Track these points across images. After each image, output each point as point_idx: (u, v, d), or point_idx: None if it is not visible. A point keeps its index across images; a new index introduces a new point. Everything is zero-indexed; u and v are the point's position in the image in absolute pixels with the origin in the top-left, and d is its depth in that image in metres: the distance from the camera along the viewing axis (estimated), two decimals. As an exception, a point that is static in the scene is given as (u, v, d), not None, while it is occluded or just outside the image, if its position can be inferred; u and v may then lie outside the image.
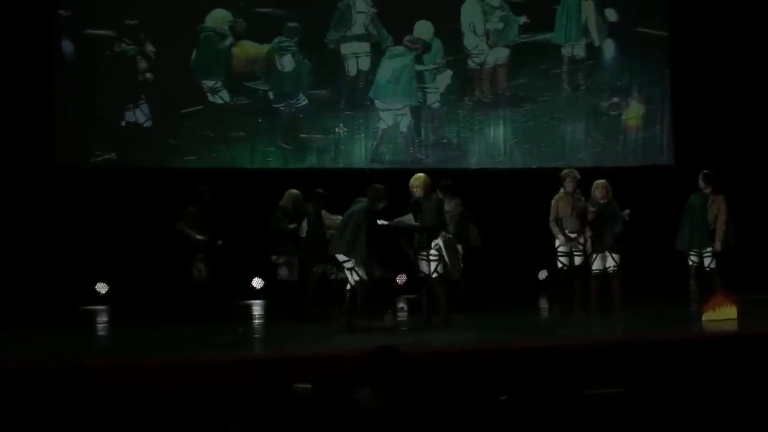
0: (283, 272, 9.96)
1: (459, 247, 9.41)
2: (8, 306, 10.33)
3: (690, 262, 9.94)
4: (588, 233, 9.91)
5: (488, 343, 8.10)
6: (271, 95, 12.06)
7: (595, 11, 12.79)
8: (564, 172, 10.15)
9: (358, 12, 12.17)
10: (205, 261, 10.42)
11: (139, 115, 11.67)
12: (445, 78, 12.42)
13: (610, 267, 9.79)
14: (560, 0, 12.74)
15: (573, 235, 9.91)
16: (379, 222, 8.98)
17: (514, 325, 9.41)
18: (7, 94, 11.18)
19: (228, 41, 11.89)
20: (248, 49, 11.92)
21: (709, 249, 9.84)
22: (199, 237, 10.34)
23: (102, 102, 11.60)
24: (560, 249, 9.97)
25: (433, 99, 12.44)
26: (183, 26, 11.79)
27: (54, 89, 11.48)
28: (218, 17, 11.84)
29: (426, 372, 6.06)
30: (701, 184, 9.91)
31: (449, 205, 9.81)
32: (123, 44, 11.61)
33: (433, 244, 9.04)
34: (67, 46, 11.54)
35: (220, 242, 10.49)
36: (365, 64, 12.24)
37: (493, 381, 6.24)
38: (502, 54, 12.59)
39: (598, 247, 9.83)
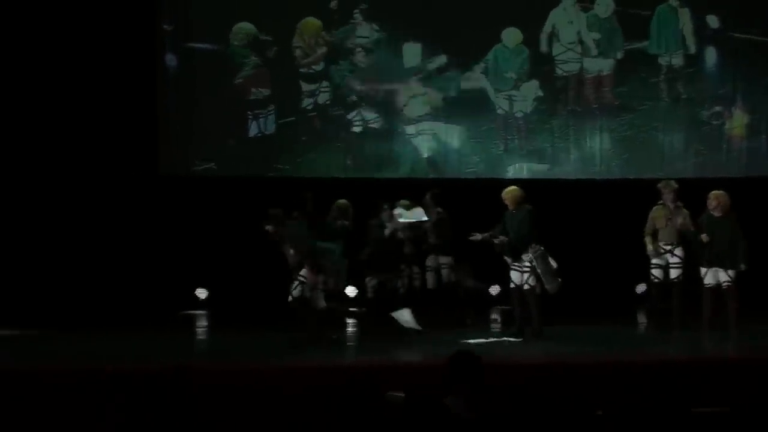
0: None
1: (551, 260, 9.31)
2: (112, 310, 10.71)
3: None
4: (690, 246, 9.60)
5: (582, 356, 7.99)
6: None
7: (692, 19, 12.49)
8: (661, 183, 9.94)
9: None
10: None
11: (258, 127, 11.95)
12: (532, 87, 12.28)
13: (724, 282, 9.40)
14: (653, 9, 12.48)
15: (667, 248, 9.67)
16: (471, 237, 9.02)
17: (610, 338, 9.25)
18: (112, 106, 11.60)
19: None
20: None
21: None
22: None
23: (203, 113, 11.93)
24: (653, 262, 9.75)
25: (522, 108, 12.32)
26: (287, 37, 12.00)
27: (157, 101, 11.87)
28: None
29: (520, 383, 6.03)
30: None
31: (431, 213, 9.82)
32: (226, 54, 11.92)
33: (524, 256, 8.99)
34: (170, 59, 11.92)
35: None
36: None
37: (588, 395, 6.15)
38: (600, 63, 12.40)
39: (713, 261, 9.44)
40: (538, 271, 8.95)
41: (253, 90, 12.01)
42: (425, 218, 9.69)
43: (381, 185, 11.55)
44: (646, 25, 12.45)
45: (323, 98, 12.08)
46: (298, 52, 12.03)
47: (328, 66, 12.08)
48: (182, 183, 11.85)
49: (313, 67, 12.07)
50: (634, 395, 5.07)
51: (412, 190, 10.36)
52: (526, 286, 9.01)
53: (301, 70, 12.06)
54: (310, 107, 12.10)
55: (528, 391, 5.95)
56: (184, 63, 11.96)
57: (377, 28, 12.08)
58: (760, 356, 7.83)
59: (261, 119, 12.08)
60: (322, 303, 9.30)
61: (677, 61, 12.48)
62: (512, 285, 9.19)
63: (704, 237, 9.39)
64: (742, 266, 9.44)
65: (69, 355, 8.34)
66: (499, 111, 12.29)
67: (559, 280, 9.16)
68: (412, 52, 12.11)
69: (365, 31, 12.08)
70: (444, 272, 10.25)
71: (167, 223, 11.73)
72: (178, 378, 4.82)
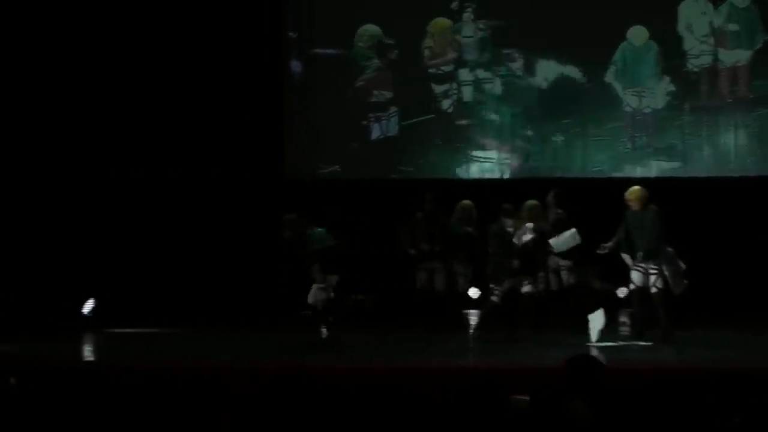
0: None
1: (680, 261, 8.98)
2: (242, 310, 11.00)
3: None
4: None
5: (717, 361, 7.67)
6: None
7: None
8: None
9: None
10: (428, 270, 10.56)
11: (380, 129, 12.05)
12: (663, 83, 11.88)
13: None
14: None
15: None
16: (600, 250, 8.84)
17: (746, 343, 8.84)
18: (241, 112, 11.93)
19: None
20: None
21: None
22: (424, 247, 10.47)
23: (327, 117, 12.11)
24: None
25: (651, 104, 11.93)
26: (410, 39, 12.04)
27: (283, 107, 12.13)
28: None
29: (650, 389, 5.83)
30: None
31: (551, 214, 9.68)
32: (349, 58, 12.05)
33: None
34: (295, 65, 12.18)
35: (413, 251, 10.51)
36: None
37: (725, 402, 5.89)
38: (737, 55, 11.85)
39: None
40: (666, 272, 8.64)
41: (375, 93, 12.11)
42: (578, 238, 9.39)
43: (502, 186, 11.42)
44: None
45: (454, 99, 12.03)
46: (427, 53, 12.02)
47: (457, 67, 12.03)
48: (307, 186, 12.06)
49: (443, 68, 12.04)
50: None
51: (535, 190, 10.19)
52: (654, 289, 8.71)
53: (430, 71, 12.05)
54: (441, 108, 12.06)
55: (659, 397, 5.75)
56: (308, 69, 12.19)
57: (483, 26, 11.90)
58: None
59: (383, 122, 12.16)
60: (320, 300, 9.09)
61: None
62: (633, 286, 8.89)
63: None
64: None
65: (202, 353, 8.60)
66: (627, 108, 11.94)
67: (686, 282, 8.83)
68: (543, 65, 11.92)
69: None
70: (563, 274, 10.03)
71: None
72: (301, 377, 4.87)
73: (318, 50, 12.14)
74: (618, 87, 11.92)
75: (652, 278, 8.74)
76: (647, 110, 11.91)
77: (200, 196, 11.84)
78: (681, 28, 11.86)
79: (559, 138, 12.04)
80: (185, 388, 6.43)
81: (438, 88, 12.05)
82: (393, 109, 12.14)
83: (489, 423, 4.52)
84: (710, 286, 9.93)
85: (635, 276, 8.87)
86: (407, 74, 12.10)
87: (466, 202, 10.14)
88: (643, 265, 8.80)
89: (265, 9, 11.98)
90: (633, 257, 9.00)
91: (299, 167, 12.18)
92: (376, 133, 12.17)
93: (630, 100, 11.92)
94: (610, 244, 9.05)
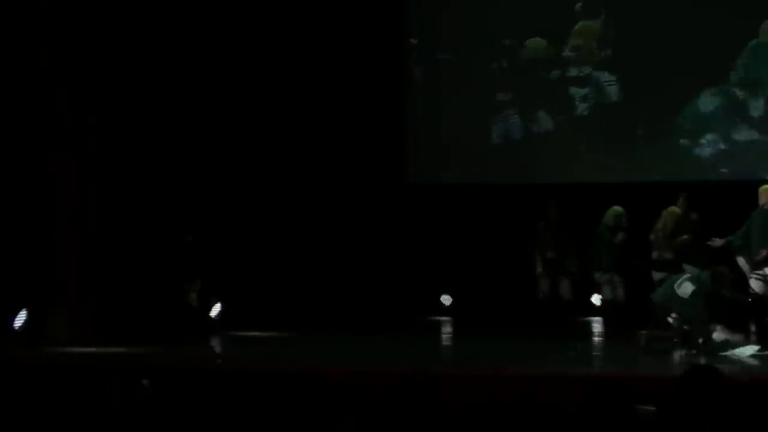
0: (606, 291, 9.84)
1: None
2: (362, 314, 11.12)
3: None
4: None
5: None
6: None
7: None
8: None
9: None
10: (550, 278, 10.44)
11: (510, 130, 11.96)
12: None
13: None
14: None
15: None
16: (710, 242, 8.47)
17: None
18: (362, 118, 12.07)
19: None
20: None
21: None
22: (549, 255, 10.36)
23: (448, 122, 12.10)
24: None
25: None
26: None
27: (405, 112, 12.21)
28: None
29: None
30: None
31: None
32: (469, 63, 12.02)
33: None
34: (417, 71, 12.25)
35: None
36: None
37: None
38: None
39: None
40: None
41: (498, 96, 12.04)
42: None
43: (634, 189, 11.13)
44: None
45: (590, 102, 11.86)
46: (572, 55, 11.85)
47: (592, 71, 11.86)
48: (429, 191, 12.09)
49: (583, 70, 11.86)
50: None
51: (666, 193, 9.91)
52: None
53: (570, 74, 11.89)
54: (579, 111, 11.89)
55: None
56: (429, 74, 12.25)
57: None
58: None
59: (505, 124, 12.06)
60: None
61: None
62: (752, 295, 8.42)
63: None
64: None
65: (318, 356, 8.73)
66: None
67: None
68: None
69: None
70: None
71: (415, 230, 12.00)
72: (422, 383, 4.89)
73: (439, 55, 12.17)
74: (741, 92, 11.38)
75: (768, 285, 8.30)
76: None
77: (324, 203, 12.04)
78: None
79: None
80: (305, 391, 6.55)
81: (576, 91, 11.84)
82: (515, 112, 12.01)
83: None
84: None
85: (754, 284, 8.42)
86: (529, 77, 11.94)
87: (617, 208, 9.96)
88: (760, 272, 8.34)
89: (386, 15, 12.10)
90: (749, 261, 8.55)
91: (421, 172, 12.23)
92: (499, 136, 12.02)
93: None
94: (724, 240, 8.59)
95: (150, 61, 10.96)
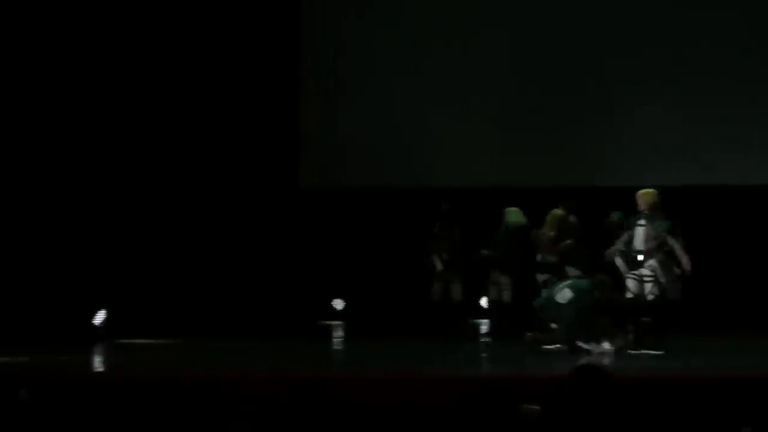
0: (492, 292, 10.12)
1: (675, 267, 8.87)
2: (253, 318, 11.00)
3: None
4: None
5: (728, 369, 7.59)
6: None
7: None
8: None
9: None
10: (444, 281, 10.55)
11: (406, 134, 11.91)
12: None
13: None
14: None
15: None
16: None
17: (758, 351, 8.75)
18: (254, 122, 11.93)
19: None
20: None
21: None
22: (441, 257, 10.47)
23: (344, 126, 12.04)
24: None
25: None
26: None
27: (299, 116, 12.11)
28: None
29: (656, 398, 5.77)
30: None
31: None
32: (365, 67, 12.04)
33: (646, 265, 8.62)
34: (311, 74, 12.13)
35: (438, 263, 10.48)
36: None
37: (735, 411, 5.83)
38: None
39: None
40: (661, 280, 8.56)
41: (395, 99, 12.09)
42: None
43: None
44: None
45: (488, 106, 11.87)
46: (470, 58, 11.88)
47: (489, 74, 11.90)
48: (322, 195, 12.05)
49: (480, 73, 11.88)
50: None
51: (555, 197, 10.12)
52: (650, 296, 8.61)
53: (467, 77, 11.86)
54: (476, 114, 11.98)
55: (667, 407, 5.70)
56: (323, 77, 12.17)
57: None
58: None
59: (401, 128, 12.09)
60: None
61: None
62: (629, 295, 8.77)
63: None
64: None
65: (208, 363, 8.58)
66: None
67: (680, 286, 8.72)
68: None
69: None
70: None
71: (308, 235, 11.95)
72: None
73: (334, 59, 12.11)
74: None
75: (647, 286, 8.63)
76: None
77: (215, 207, 11.86)
78: None
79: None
80: (195, 399, 6.42)
81: (476, 95, 11.81)
82: (409, 114, 12.01)
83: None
84: (718, 294, 9.86)
85: (631, 284, 8.76)
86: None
87: (513, 209, 10.15)
88: (636, 273, 8.69)
89: (280, 17, 12.00)
90: (626, 262, 8.89)
91: (312, 177, 12.16)
92: (398, 139, 11.92)
93: None
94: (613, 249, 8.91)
95: (36, 61, 10.62)
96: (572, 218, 9.88)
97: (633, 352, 8.67)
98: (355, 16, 12.18)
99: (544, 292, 9.11)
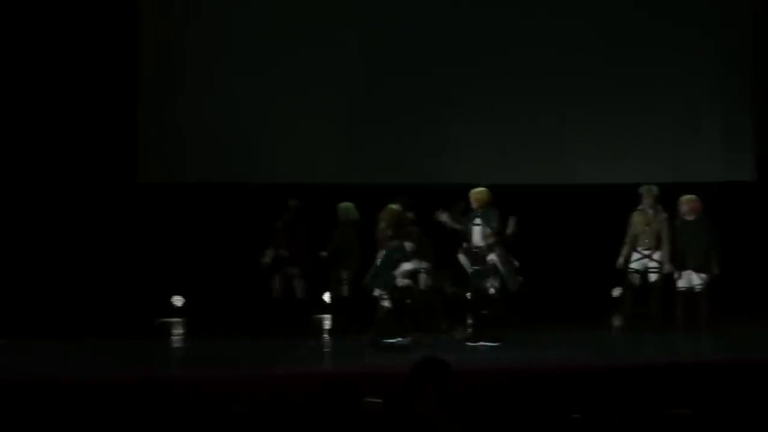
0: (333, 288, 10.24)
1: (512, 259, 9.29)
2: (90, 316, 10.64)
3: None
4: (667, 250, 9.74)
5: (559, 360, 8.02)
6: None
7: None
8: (642, 188, 10.02)
9: None
10: (286, 277, 10.55)
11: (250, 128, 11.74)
12: None
13: (696, 286, 9.61)
14: None
15: (645, 252, 9.84)
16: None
17: (586, 342, 9.27)
18: (92, 115, 11.50)
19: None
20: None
21: None
22: (279, 253, 10.46)
23: (185, 120, 11.78)
24: (631, 266, 9.88)
25: None
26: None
27: (138, 109, 11.75)
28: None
29: (495, 388, 6.02)
30: None
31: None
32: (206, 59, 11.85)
33: (487, 260, 9.01)
34: (151, 66, 11.80)
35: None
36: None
37: (566, 399, 6.18)
38: None
39: (687, 265, 9.62)
40: (501, 271, 8.96)
41: (239, 91, 11.95)
42: None
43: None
44: None
45: (334, 101, 11.81)
46: (314, 51, 11.74)
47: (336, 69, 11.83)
48: (161, 190, 11.78)
49: (325, 66, 11.80)
50: (611, 398, 5.09)
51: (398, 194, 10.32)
52: (491, 290, 8.98)
53: (311, 69, 11.83)
54: (321, 108, 11.80)
55: (504, 396, 5.96)
56: (163, 69, 11.86)
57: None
58: (731, 358, 7.91)
59: (244, 122, 12.00)
60: None
61: None
62: (470, 288, 9.15)
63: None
64: (715, 271, 9.63)
65: (44, 364, 8.25)
66: None
67: (520, 278, 9.14)
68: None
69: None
70: (422, 277, 10.22)
71: (146, 231, 11.66)
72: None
73: (176, 50, 11.81)
74: None
75: (488, 280, 9.01)
76: None
77: (49, 202, 11.37)
78: None
79: None
80: (31, 401, 6.19)
81: (321, 88, 11.78)
82: (250, 108, 11.91)
83: (344, 426, 4.57)
84: (550, 288, 10.36)
85: (472, 278, 9.12)
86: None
87: (348, 204, 10.22)
88: (477, 267, 9.06)
89: (118, 7, 11.62)
90: (469, 257, 9.22)
91: (151, 171, 11.84)
92: (241, 133, 11.80)
93: None
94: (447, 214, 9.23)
95: None
96: (409, 215, 10.12)
97: (471, 344, 9.00)
98: (200, 4, 11.95)
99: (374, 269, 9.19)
